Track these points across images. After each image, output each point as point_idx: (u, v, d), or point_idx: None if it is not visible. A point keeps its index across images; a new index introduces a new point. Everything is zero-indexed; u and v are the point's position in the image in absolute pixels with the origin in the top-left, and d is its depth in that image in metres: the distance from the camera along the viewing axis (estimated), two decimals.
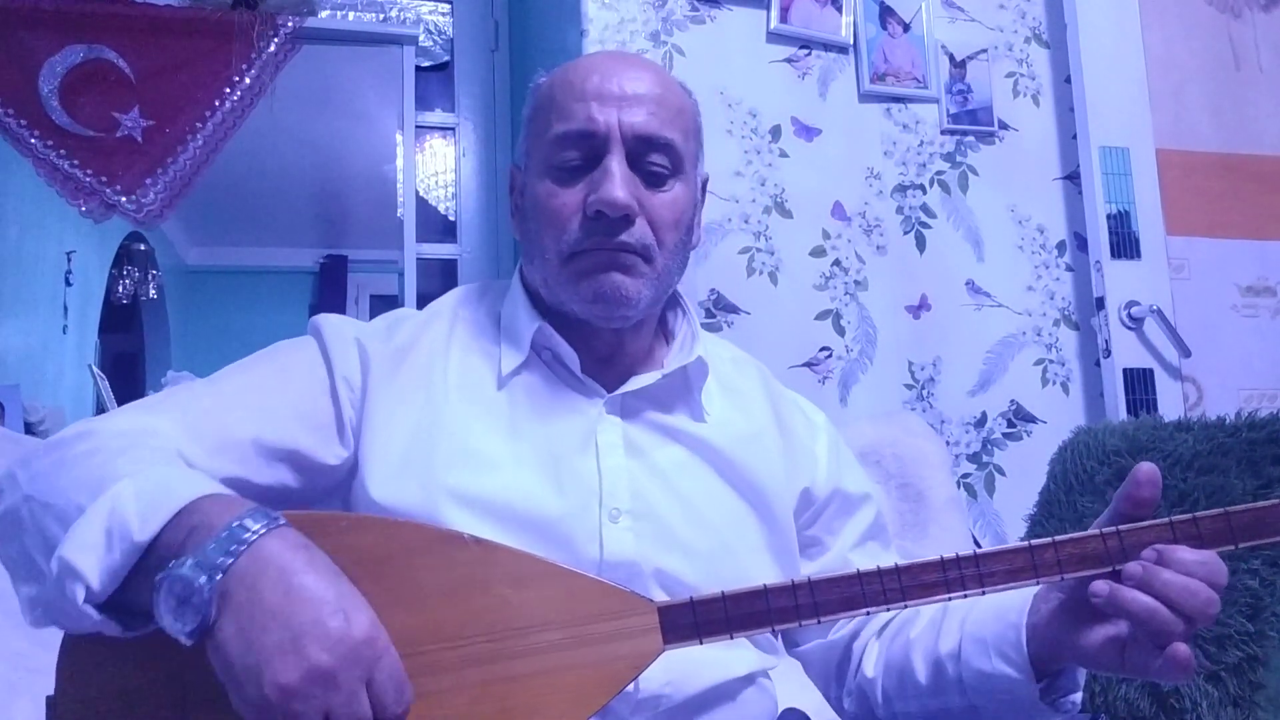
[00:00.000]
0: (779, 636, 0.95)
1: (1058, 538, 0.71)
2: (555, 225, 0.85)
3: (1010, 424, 2.07)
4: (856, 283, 2.02)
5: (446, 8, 2.62)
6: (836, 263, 2.01)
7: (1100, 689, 1.38)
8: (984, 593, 0.71)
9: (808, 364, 1.96)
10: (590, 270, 0.84)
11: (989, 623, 0.83)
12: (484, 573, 0.69)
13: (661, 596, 0.76)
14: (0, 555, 0.71)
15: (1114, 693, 1.37)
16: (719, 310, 1.91)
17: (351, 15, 2.54)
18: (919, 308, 2.06)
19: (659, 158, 0.86)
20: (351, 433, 0.84)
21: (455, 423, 0.84)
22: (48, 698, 0.67)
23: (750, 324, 1.92)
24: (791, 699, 0.99)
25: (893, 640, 0.92)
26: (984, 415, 2.06)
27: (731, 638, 0.69)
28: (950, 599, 0.71)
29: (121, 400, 2.49)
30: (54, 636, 0.67)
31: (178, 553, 0.61)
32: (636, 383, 0.89)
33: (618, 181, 0.83)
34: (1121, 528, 0.71)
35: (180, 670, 0.64)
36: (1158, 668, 0.69)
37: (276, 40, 2.32)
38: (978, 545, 0.99)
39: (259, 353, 0.88)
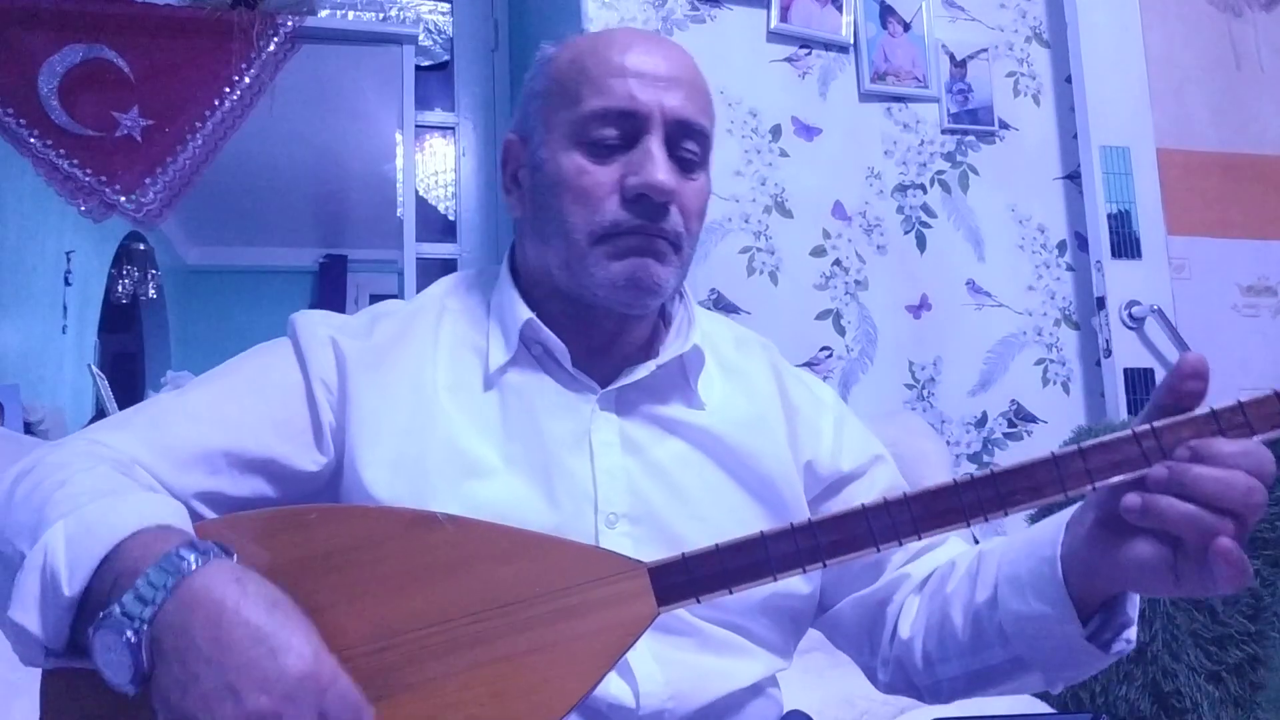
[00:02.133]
0: (796, 634, 0.91)
1: (1084, 444, 0.63)
2: (587, 203, 0.81)
3: (1011, 424, 2.07)
4: (857, 282, 2.02)
5: (446, 7, 2.62)
6: (837, 262, 2.01)
7: (1101, 689, 1.38)
8: (1006, 514, 0.64)
9: (808, 363, 1.95)
10: (625, 253, 0.81)
11: (1022, 560, 0.75)
12: (462, 551, 0.66)
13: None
14: None
15: (1114, 693, 1.37)
16: (719, 310, 1.91)
17: (351, 14, 2.54)
18: (919, 307, 2.06)
19: (692, 145, 0.84)
20: (330, 437, 0.81)
21: (446, 425, 0.81)
22: None
23: (751, 324, 1.91)
24: (794, 700, 0.98)
25: (932, 597, 0.86)
26: (984, 415, 2.06)
27: (731, 593, 0.65)
28: (970, 525, 0.64)
29: (121, 400, 2.49)
30: None
31: (107, 603, 0.58)
32: (630, 376, 0.86)
33: (662, 165, 0.80)
34: (1156, 424, 0.63)
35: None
36: (1211, 579, 0.61)
37: (276, 39, 2.32)
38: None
39: (233, 359, 0.85)
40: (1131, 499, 0.62)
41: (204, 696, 0.55)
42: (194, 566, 0.58)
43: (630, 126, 0.81)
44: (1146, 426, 0.63)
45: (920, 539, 0.65)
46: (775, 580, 0.65)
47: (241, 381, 0.82)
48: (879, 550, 0.65)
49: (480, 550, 0.67)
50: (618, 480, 0.81)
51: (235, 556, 0.62)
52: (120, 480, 0.69)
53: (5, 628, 0.63)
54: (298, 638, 0.57)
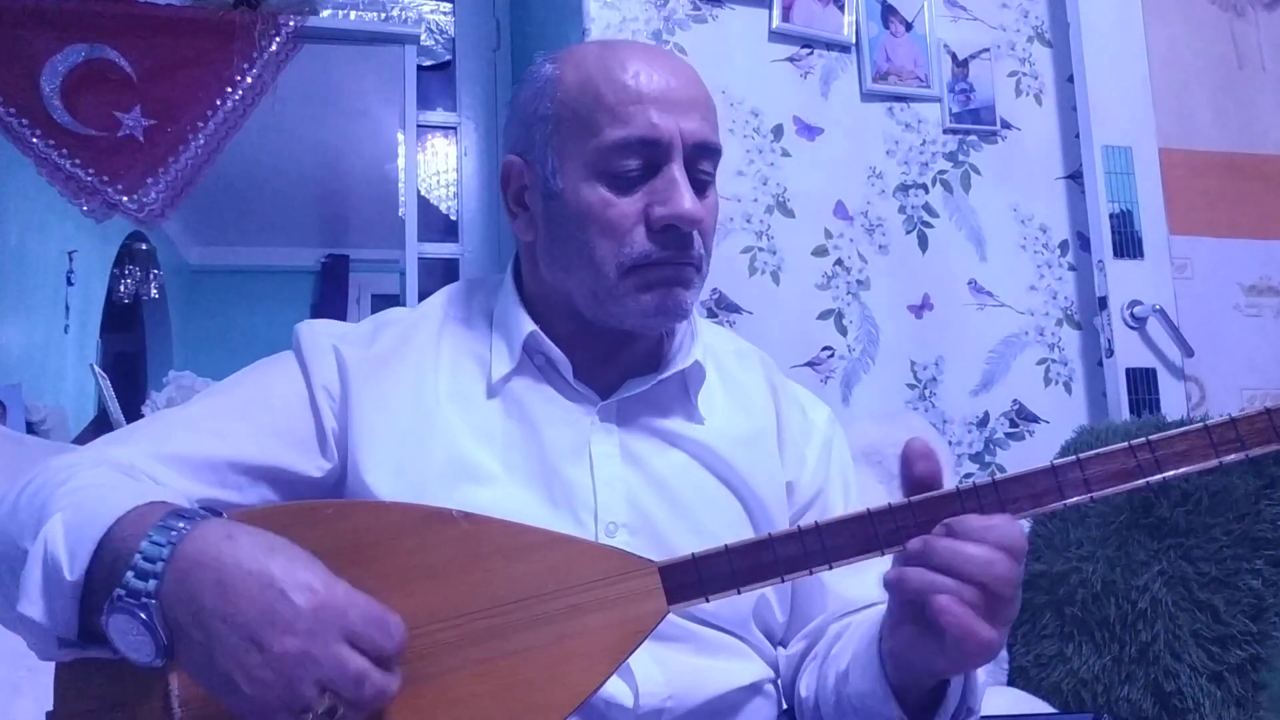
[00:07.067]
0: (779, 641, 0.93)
1: (1083, 455, 0.65)
2: (614, 236, 0.80)
3: (1013, 424, 2.07)
4: (859, 282, 2.02)
5: (448, 7, 2.62)
6: (839, 262, 2.01)
7: (1102, 689, 1.38)
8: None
9: (810, 363, 1.95)
10: (656, 284, 0.81)
11: (865, 636, 0.76)
12: (476, 547, 0.68)
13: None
14: None
15: (1116, 692, 1.37)
16: (721, 310, 1.91)
17: (353, 14, 2.54)
18: (921, 307, 2.06)
19: (708, 165, 0.84)
20: (335, 443, 0.83)
21: (447, 432, 0.82)
22: (47, 713, 0.67)
23: (752, 323, 1.91)
24: None
25: (823, 660, 0.86)
26: (986, 415, 2.06)
27: (740, 592, 0.67)
28: None
29: (123, 400, 2.49)
30: None
31: (109, 586, 0.59)
32: (631, 388, 0.86)
33: (687, 194, 0.80)
34: (1152, 438, 0.66)
35: (169, 676, 0.64)
36: (952, 646, 0.62)
37: (278, 39, 2.32)
38: None
39: (236, 373, 0.87)
40: (890, 573, 0.65)
41: (230, 653, 0.56)
42: (177, 537, 0.59)
43: (652, 155, 0.81)
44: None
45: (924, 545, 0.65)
46: (783, 581, 0.67)
47: (245, 393, 0.84)
48: (884, 554, 0.66)
49: (494, 547, 0.68)
50: (617, 490, 0.82)
51: (225, 515, 0.64)
52: (122, 478, 0.70)
53: (17, 624, 0.64)
54: (303, 573, 0.58)
